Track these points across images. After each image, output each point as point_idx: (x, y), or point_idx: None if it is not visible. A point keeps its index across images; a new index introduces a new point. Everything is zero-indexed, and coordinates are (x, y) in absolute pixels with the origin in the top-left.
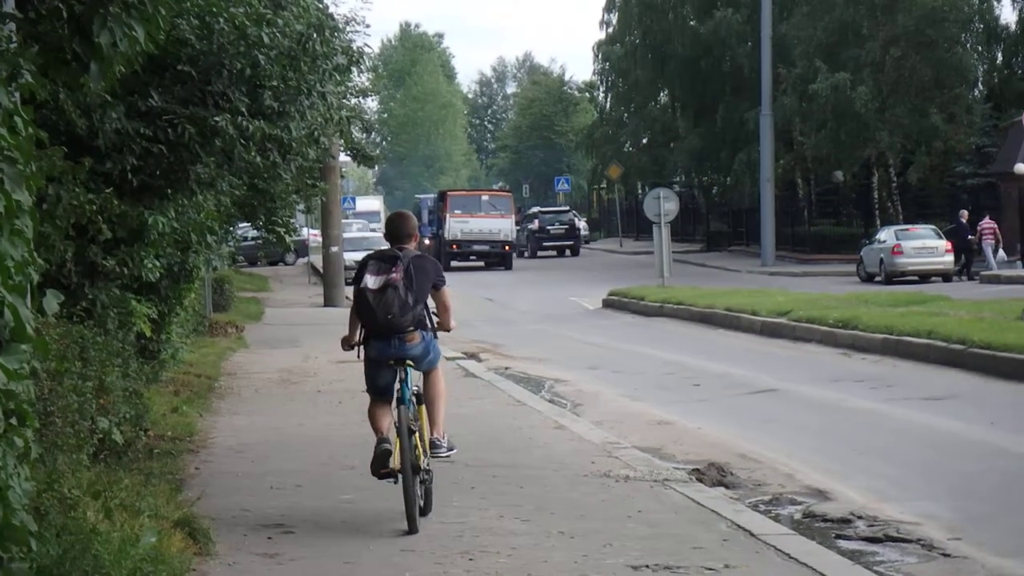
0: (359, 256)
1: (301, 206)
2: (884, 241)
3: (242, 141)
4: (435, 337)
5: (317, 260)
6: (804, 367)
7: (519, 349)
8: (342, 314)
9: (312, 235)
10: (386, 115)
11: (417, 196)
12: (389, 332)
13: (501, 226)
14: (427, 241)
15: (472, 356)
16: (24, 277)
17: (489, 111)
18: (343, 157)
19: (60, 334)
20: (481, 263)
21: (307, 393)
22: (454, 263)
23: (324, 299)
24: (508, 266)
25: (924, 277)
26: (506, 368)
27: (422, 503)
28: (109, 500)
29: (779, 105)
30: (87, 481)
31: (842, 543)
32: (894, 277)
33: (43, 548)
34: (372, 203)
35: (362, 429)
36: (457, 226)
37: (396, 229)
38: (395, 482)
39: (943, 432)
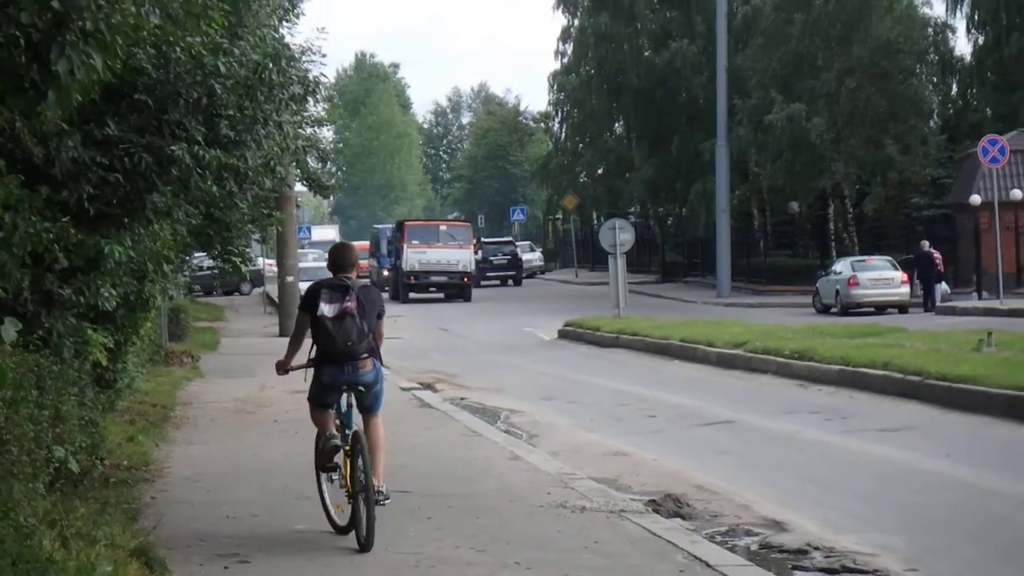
0: None
1: (257, 235)
2: (840, 272)
3: (198, 170)
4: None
5: (273, 290)
6: (760, 398)
7: (474, 379)
8: (307, 352)
9: (267, 265)
10: (341, 144)
11: (375, 226)
12: (345, 358)
13: (460, 257)
14: (385, 272)
15: (427, 386)
16: None
17: (444, 141)
18: (299, 187)
19: (16, 362)
20: (440, 295)
21: (263, 423)
22: (412, 295)
23: (280, 329)
24: (467, 298)
25: (880, 308)
26: (461, 398)
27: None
28: (65, 529)
29: (734, 136)
30: (43, 510)
31: (799, 574)
32: (850, 308)
33: None
34: (328, 232)
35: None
36: (415, 257)
37: (340, 259)
38: (335, 479)
39: (899, 464)
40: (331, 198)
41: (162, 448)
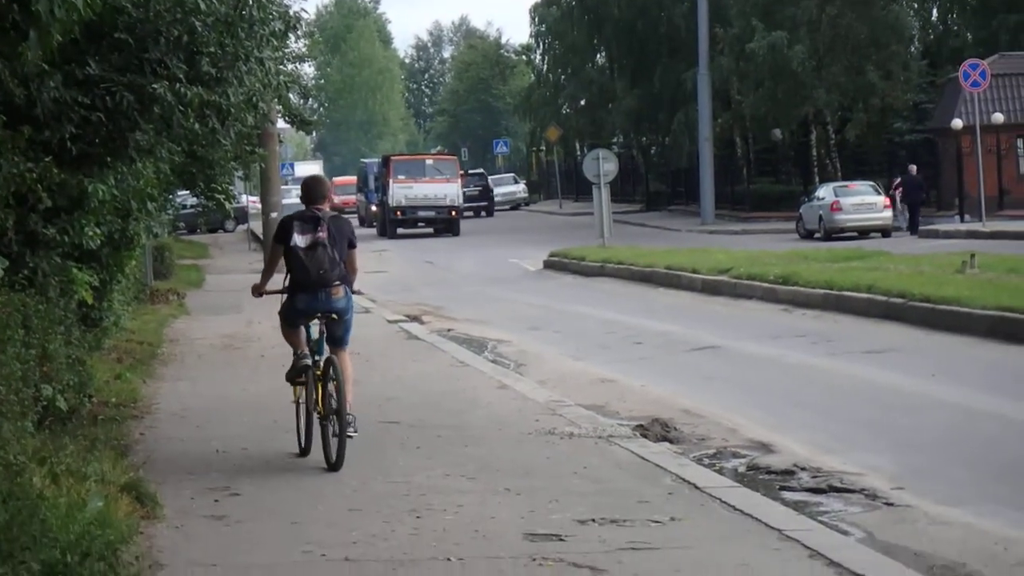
0: None
1: (240, 173)
2: (823, 198)
3: (180, 108)
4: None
5: (257, 226)
6: (745, 324)
7: (461, 311)
8: (281, 279)
9: (251, 202)
10: (323, 81)
11: (363, 160)
12: (318, 286)
13: (447, 191)
14: (373, 208)
15: (414, 319)
16: None
17: (426, 76)
18: (281, 124)
19: (2, 302)
20: (430, 230)
21: (250, 358)
22: (401, 231)
23: (263, 270)
24: (456, 232)
25: (863, 233)
26: (448, 330)
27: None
28: (55, 466)
29: (716, 65)
30: (32, 448)
31: (786, 494)
32: (833, 233)
33: None
34: (312, 168)
35: None
36: (401, 192)
37: (312, 192)
38: (308, 359)
39: (884, 385)
40: (313, 134)
41: (150, 385)
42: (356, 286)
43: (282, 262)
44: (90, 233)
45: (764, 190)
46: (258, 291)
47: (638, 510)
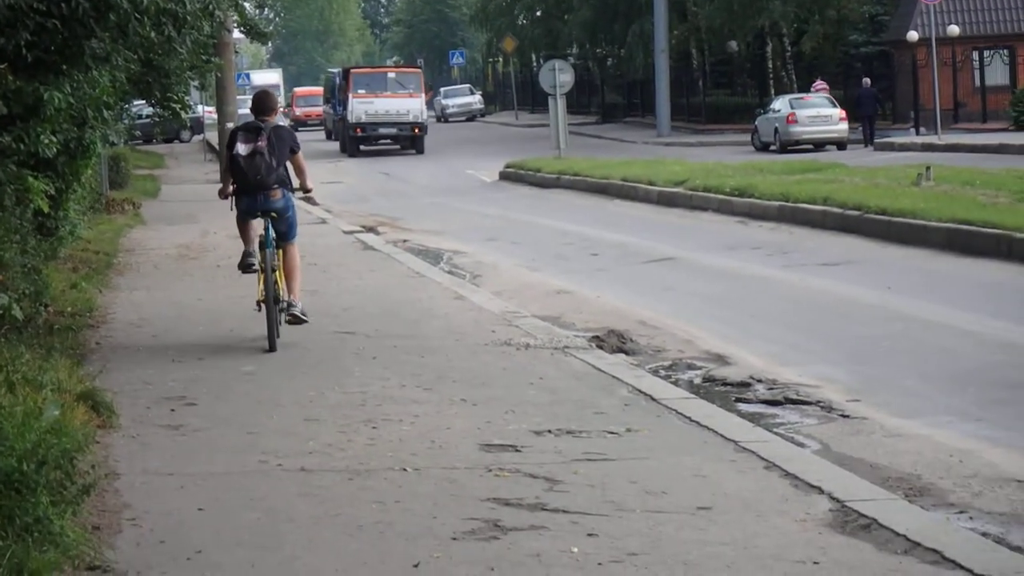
0: None
1: (196, 82)
2: (779, 110)
3: (136, 15)
4: (293, 194)
5: (213, 137)
6: (701, 236)
7: (417, 222)
8: None
9: (207, 112)
10: None
11: (330, 71)
12: (257, 189)
13: (410, 106)
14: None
15: (370, 230)
16: None
17: None
18: (237, 34)
19: None
20: (397, 146)
21: (206, 268)
22: (363, 148)
23: (220, 176)
24: (420, 150)
25: (819, 145)
26: (404, 241)
27: (279, 330)
28: (11, 374)
29: None
30: None
31: (742, 406)
32: (789, 146)
33: None
34: (271, 76)
35: None
36: (361, 107)
37: (260, 104)
38: (259, 309)
39: (840, 297)
40: (269, 44)
41: (106, 294)
42: (309, 184)
43: None
44: (46, 141)
45: (720, 102)
46: (223, 194)
47: (594, 421)
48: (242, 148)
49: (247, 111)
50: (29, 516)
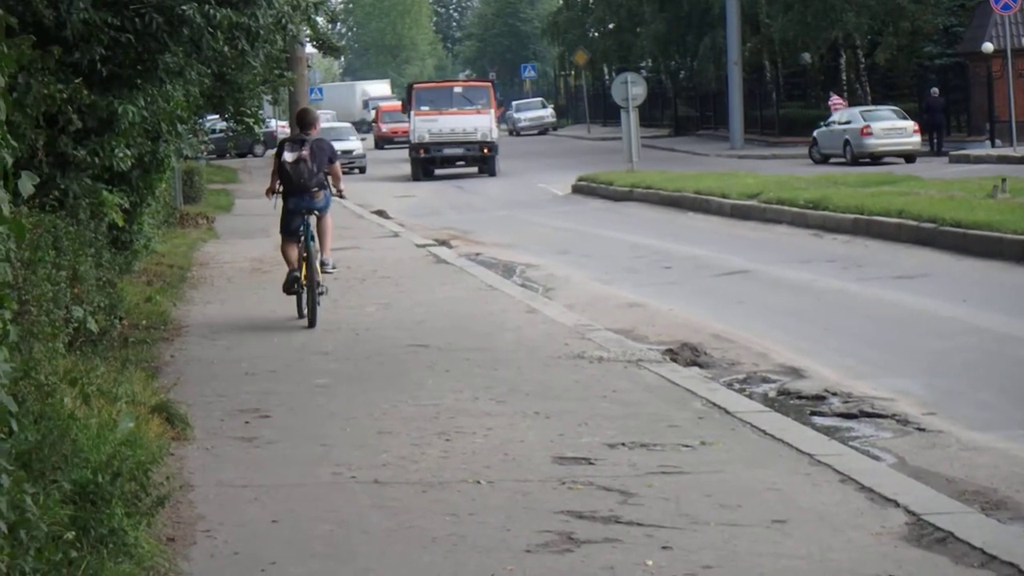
0: None
1: (268, 97)
2: (848, 122)
3: (210, 30)
4: (331, 196)
5: None
6: (775, 248)
7: (489, 235)
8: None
9: (280, 126)
10: (351, 5)
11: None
12: (302, 191)
13: (478, 124)
14: None
15: (442, 243)
16: None
17: (454, 0)
18: (309, 48)
19: (33, 223)
20: (473, 168)
21: (278, 281)
22: (434, 171)
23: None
24: (491, 171)
25: (891, 158)
26: (477, 254)
27: (319, 308)
28: (86, 387)
29: None
30: (63, 369)
31: (817, 419)
32: (862, 158)
33: (22, 434)
34: (382, 88)
35: (335, 315)
36: (424, 126)
37: (302, 121)
38: (299, 292)
39: (915, 310)
40: (341, 59)
41: (180, 307)
42: (342, 187)
43: None
44: (120, 155)
45: (793, 114)
46: (269, 192)
47: (668, 434)
48: (288, 156)
49: (326, 124)
50: (104, 527)
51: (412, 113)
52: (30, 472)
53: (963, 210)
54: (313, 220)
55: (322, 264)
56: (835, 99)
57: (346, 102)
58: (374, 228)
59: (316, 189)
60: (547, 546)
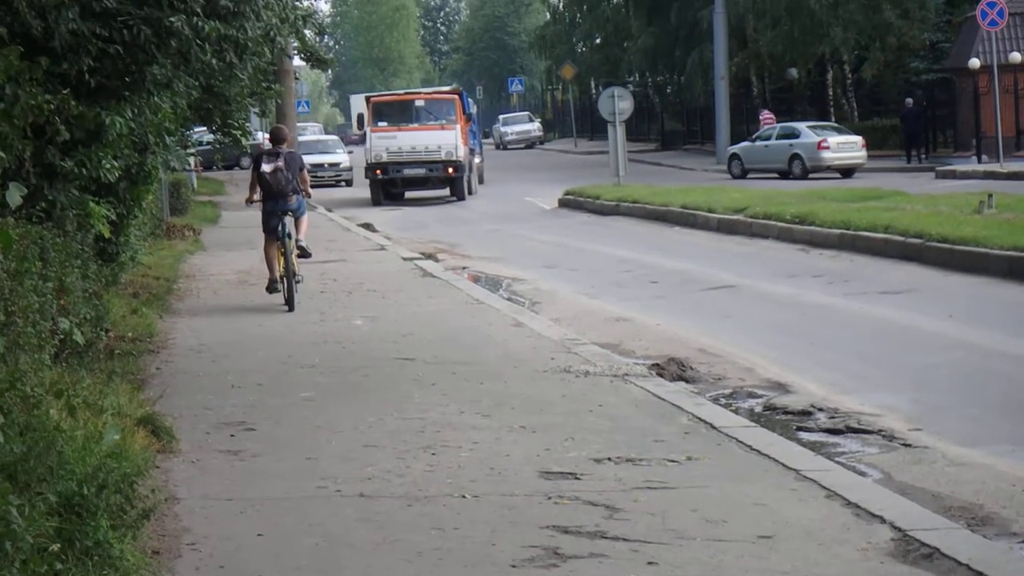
0: (314, 159)
1: (256, 109)
2: (796, 136)
3: (198, 42)
4: (303, 199)
5: None
6: (761, 263)
7: (476, 249)
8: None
9: (267, 139)
10: (339, 18)
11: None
12: (278, 196)
13: (442, 140)
14: None
15: (429, 256)
16: None
17: (442, 13)
18: (297, 61)
19: (20, 234)
20: (435, 192)
21: (264, 294)
22: (396, 193)
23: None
24: (459, 195)
25: (846, 172)
26: (463, 268)
27: (296, 296)
28: (72, 399)
29: (732, 2)
30: (49, 380)
31: (803, 435)
32: (816, 172)
33: (8, 445)
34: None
35: (321, 328)
36: (382, 144)
37: (276, 137)
38: (279, 290)
39: (901, 325)
40: (329, 72)
41: (166, 320)
42: (309, 189)
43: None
44: (107, 166)
45: None
46: (248, 201)
47: (654, 449)
48: (267, 167)
49: (307, 137)
50: (89, 540)
51: (368, 129)
52: (15, 484)
53: (950, 225)
54: (290, 220)
55: (300, 248)
56: (766, 114)
57: None
58: (361, 241)
59: (291, 194)
60: (533, 561)
